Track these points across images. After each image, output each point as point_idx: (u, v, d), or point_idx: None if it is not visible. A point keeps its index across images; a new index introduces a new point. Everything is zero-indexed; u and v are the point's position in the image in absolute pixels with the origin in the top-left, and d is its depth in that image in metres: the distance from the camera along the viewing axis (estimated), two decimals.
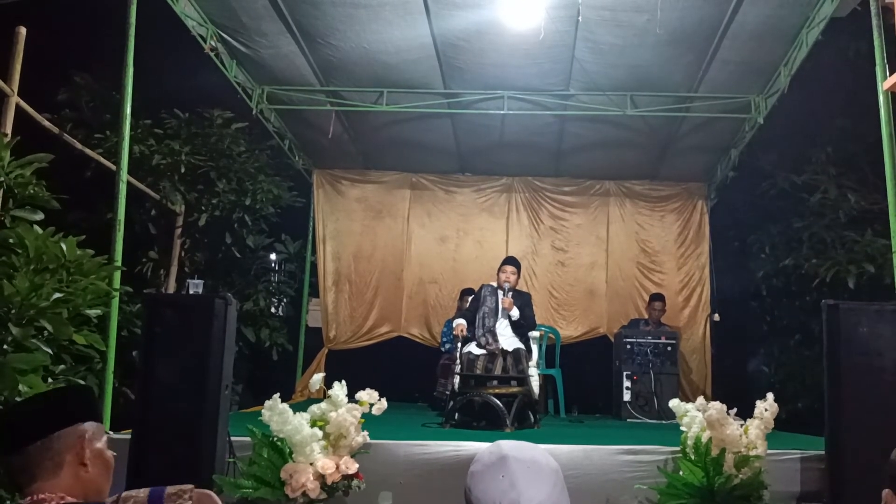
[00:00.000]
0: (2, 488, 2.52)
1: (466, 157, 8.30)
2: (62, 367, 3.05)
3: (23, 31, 3.92)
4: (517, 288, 5.99)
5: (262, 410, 3.50)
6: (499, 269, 5.95)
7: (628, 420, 6.80)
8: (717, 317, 8.20)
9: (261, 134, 7.42)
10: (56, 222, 2.96)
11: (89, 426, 1.69)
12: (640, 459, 3.95)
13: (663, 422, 6.50)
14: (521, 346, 5.72)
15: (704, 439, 3.69)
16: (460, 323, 5.77)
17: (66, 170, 4.89)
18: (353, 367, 7.57)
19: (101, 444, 1.70)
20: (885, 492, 2.02)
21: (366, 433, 3.66)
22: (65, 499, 1.57)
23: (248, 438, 3.62)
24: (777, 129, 6.93)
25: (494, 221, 8.67)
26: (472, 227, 8.66)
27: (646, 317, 7.85)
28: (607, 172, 8.46)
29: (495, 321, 5.73)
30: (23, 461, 1.60)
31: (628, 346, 7.07)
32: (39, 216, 2.98)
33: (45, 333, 2.70)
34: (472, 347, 5.62)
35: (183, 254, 6.73)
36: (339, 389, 3.61)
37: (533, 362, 5.96)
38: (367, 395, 3.68)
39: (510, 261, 6.04)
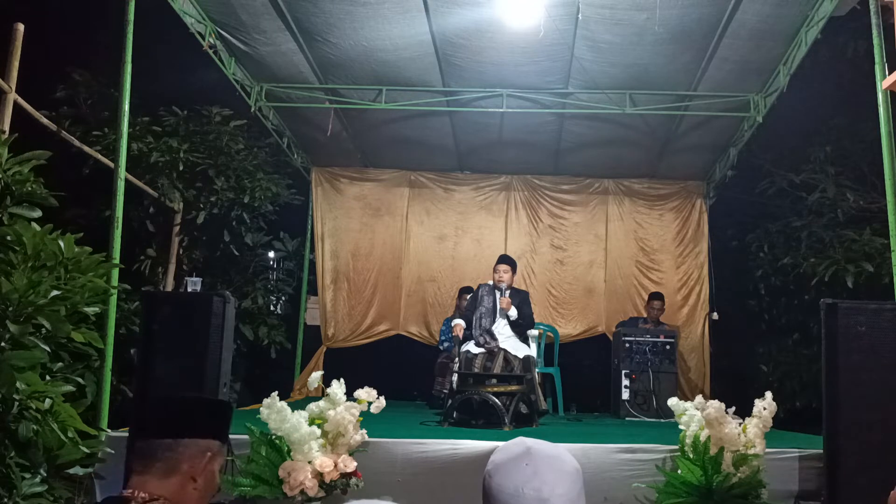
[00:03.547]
0: (1, 487, 2.52)
1: (465, 155, 8.29)
2: (60, 364, 3.04)
3: (21, 27, 3.91)
4: (514, 286, 5.99)
5: (261, 408, 3.50)
6: (493, 269, 5.94)
7: (627, 418, 6.80)
8: (715, 315, 8.21)
9: (259, 131, 7.41)
10: (54, 219, 2.95)
11: (214, 446, 1.70)
12: (639, 458, 3.95)
13: (662, 420, 6.50)
14: (532, 353, 5.73)
15: (703, 438, 3.69)
16: (458, 323, 5.77)
17: (64, 167, 4.90)
18: (352, 366, 7.57)
19: (216, 465, 1.71)
20: (894, 493, 2.01)
21: (364, 431, 3.66)
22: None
23: (246, 436, 3.61)
24: (776, 127, 6.94)
25: (493, 219, 8.67)
26: (470, 226, 8.65)
27: (644, 315, 7.85)
28: (606, 171, 8.46)
29: (492, 321, 5.73)
30: (144, 450, 1.64)
31: (627, 345, 7.07)
32: (37, 213, 2.96)
33: (43, 331, 2.69)
34: (471, 346, 5.62)
35: (181, 251, 6.72)
36: (338, 387, 3.61)
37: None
38: (366, 393, 3.68)
39: (504, 259, 6.02)
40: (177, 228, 6.60)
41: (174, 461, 1.62)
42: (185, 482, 1.63)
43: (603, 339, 8.29)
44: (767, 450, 3.76)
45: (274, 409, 3.44)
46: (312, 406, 3.57)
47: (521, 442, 1.43)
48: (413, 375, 7.92)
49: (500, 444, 1.49)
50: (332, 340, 8.38)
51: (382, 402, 3.69)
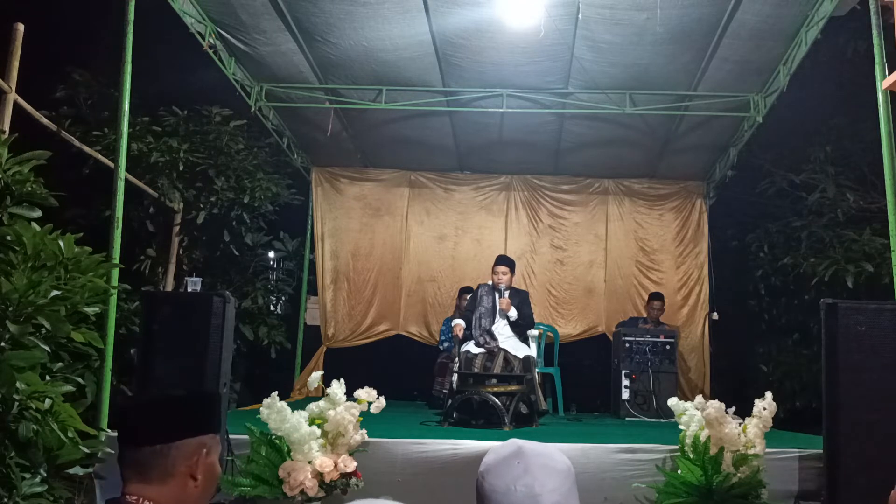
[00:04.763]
0: (1, 487, 2.52)
1: (465, 155, 8.29)
2: (60, 364, 3.04)
3: (21, 27, 3.91)
4: (514, 286, 5.99)
5: (261, 408, 3.50)
6: (492, 270, 5.94)
7: (627, 418, 6.80)
8: (715, 315, 8.21)
9: (259, 131, 7.40)
10: (54, 219, 2.95)
11: (208, 439, 1.64)
12: (639, 458, 3.95)
13: (662, 420, 6.50)
14: (532, 353, 5.73)
15: (703, 438, 3.69)
16: (458, 323, 5.77)
17: (64, 167, 4.91)
18: (352, 366, 7.57)
19: (214, 456, 1.65)
20: (894, 492, 2.01)
21: (364, 431, 3.66)
22: None
23: (246, 436, 3.62)
24: (776, 127, 6.93)
25: (493, 219, 8.67)
26: (470, 226, 8.65)
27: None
28: (606, 171, 8.46)
29: (492, 322, 5.73)
30: (135, 458, 1.57)
31: (627, 345, 7.07)
32: (37, 213, 2.96)
33: (43, 331, 2.69)
34: (471, 346, 5.62)
35: (181, 251, 6.72)
36: (338, 387, 3.61)
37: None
38: (366, 393, 3.69)
39: (502, 260, 6.01)
40: (177, 228, 6.59)
41: (170, 465, 1.56)
42: (185, 482, 1.58)
43: (603, 339, 8.29)
44: (767, 450, 3.76)
45: (274, 409, 3.44)
46: (312, 406, 3.57)
47: (513, 443, 1.45)
48: (413, 375, 7.92)
49: (495, 444, 1.50)
50: (332, 340, 8.38)
51: (382, 402, 3.69)
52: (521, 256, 8.31)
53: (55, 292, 2.68)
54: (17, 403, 2.57)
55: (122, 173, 4.21)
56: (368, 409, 3.65)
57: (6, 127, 3.73)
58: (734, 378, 8.08)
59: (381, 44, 5.74)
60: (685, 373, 8.05)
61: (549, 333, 7.41)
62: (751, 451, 3.65)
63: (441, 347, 7.50)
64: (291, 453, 3.43)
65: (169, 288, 6.35)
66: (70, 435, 2.71)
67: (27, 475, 2.61)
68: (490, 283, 5.91)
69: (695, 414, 3.88)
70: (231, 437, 3.77)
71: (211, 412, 1.73)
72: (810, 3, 5.02)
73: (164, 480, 1.56)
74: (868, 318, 3.66)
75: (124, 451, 1.59)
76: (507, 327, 5.75)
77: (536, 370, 5.79)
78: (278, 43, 5.82)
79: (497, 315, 5.77)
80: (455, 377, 5.38)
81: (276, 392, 3.54)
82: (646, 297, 8.01)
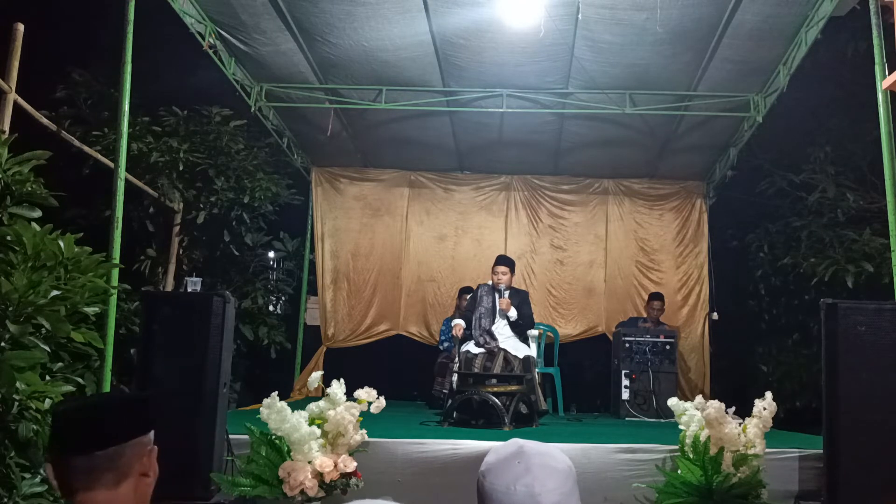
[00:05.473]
0: (1, 487, 2.52)
1: (465, 155, 8.30)
2: (60, 364, 3.04)
3: (21, 27, 3.91)
4: (514, 286, 5.99)
5: (261, 408, 3.50)
6: (491, 270, 5.94)
7: (627, 418, 6.81)
8: (715, 315, 8.21)
9: (259, 132, 7.40)
10: (54, 219, 2.95)
11: (151, 435, 1.61)
12: (639, 458, 3.96)
13: (662, 420, 6.51)
14: (532, 353, 5.73)
15: (703, 438, 3.69)
16: (458, 323, 5.77)
17: (64, 167, 4.90)
18: (352, 366, 7.56)
19: (155, 453, 1.62)
20: None
21: (364, 431, 3.66)
22: None
23: (246, 436, 3.62)
24: (776, 127, 6.93)
25: (493, 219, 8.68)
26: (470, 226, 8.66)
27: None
28: (606, 171, 8.46)
29: (492, 322, 5.73)
30: (86, 465, 1.47)
31: (627, 345, 7.08)
32: (37, 213, 2.96)
33: (43, 331, 2.69)
34: (471, 346, 5.62)
35: (181, 251, 6.72)
36: (338, 388, 3.61)
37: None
38: (366, 393, 3.69)
39: (501, 260, 6.01)
40: (177, 228, 6.59)
41: (125, 465, 1.51)
42: (138, 482, 1.54)
43: (603, 339, 8.29)
44: (767, 450, 3.76)
45: (274, 409, 3.44)
46: (312, 406, 3.57)
47: (514, 442, 1.45)
48: (413, 375, 7.92)
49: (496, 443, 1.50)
50: (332, 340, 8.38)
51: (382, 402, 3.69)
52: (521, 256, 8.32)
53: (55, 292, 2.68)
54: (17, 403, 2.57)
55: (122, 173, 4.21)
56: (368, 409, 3.65)
57: (6, 127, 3.73)
58: (734, 378, 8.07)
59: (381, 44, 5.74)
60: (685, 373, 8.05)
61: (549, 333, 7.42)
62: (751, 451, 3.65)
63: (441, 347, 7.50)
64: (291, 453, 3.43)
65: (169, 288, 6.34)
66: None
67: (27, 475, 2.61)
68: (490, 283, 5.91)
69: (695, 414, 3.88)
70: (231, 437, 3.77)
71: (148, 410, 1.68)
72: (810, 3, 5.02)
73: (118, 483, 1.49)
74: (868, 318, 3.66)
75: (69, 460, 1.49)
76: (507, 327, 5.75)
77: (536, 370, 5.80)
78: (278, 43, 5.82)
79: (497, 315, 5.77)
80: (455, 377, 5.38)
81: (276, 392, 3.54)
82: (646, 297, 8.01)
